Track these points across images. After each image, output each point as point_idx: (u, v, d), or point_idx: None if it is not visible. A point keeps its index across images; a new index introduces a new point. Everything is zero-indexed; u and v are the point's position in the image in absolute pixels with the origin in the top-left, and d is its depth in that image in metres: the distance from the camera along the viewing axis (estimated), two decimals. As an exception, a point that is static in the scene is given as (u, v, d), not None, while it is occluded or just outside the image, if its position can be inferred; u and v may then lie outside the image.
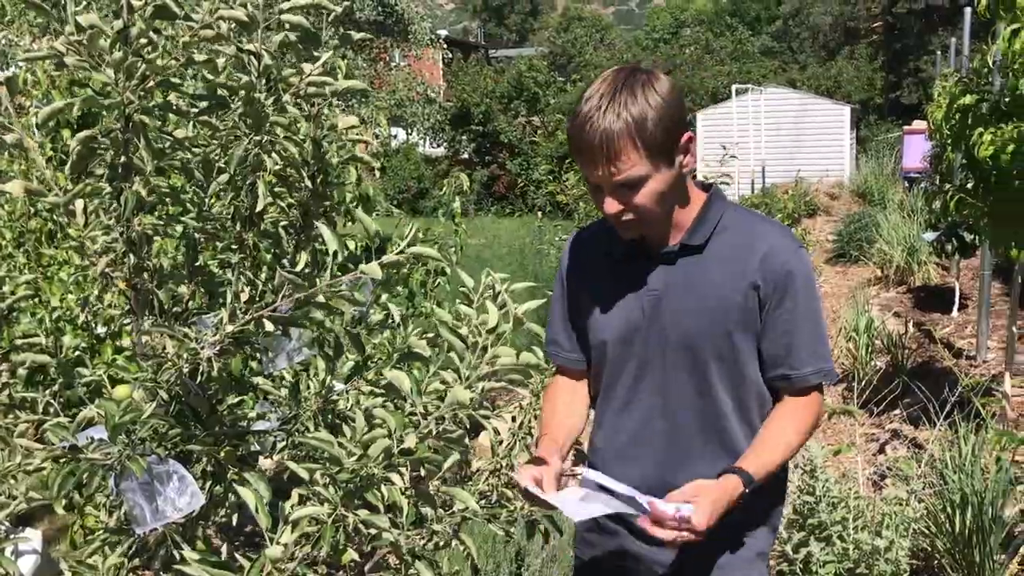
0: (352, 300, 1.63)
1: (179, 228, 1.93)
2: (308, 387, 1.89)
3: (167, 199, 1.72)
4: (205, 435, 1.74)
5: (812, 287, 1.63)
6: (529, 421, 2.09)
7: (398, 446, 1.48)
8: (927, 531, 2.96)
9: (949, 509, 2.80)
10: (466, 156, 20.87)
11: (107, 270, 1.68)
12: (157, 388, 1.69)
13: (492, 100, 20.06)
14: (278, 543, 1.32)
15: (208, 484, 1.78)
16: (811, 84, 22.33)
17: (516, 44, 41.07)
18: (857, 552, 2.80)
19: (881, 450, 4.50)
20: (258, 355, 2.08)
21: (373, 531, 1.49)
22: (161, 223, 1.75)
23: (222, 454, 1.76)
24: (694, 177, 1.73)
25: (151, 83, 1.60)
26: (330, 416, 1.88)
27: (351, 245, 3.60)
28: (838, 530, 2.84)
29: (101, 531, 1.90)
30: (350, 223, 3.65)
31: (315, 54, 1.82)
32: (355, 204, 3.64)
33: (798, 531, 2.87)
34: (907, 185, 14.06)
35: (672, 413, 1.65)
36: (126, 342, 2.73)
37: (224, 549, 1.78)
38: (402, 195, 18.56)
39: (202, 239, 1.92)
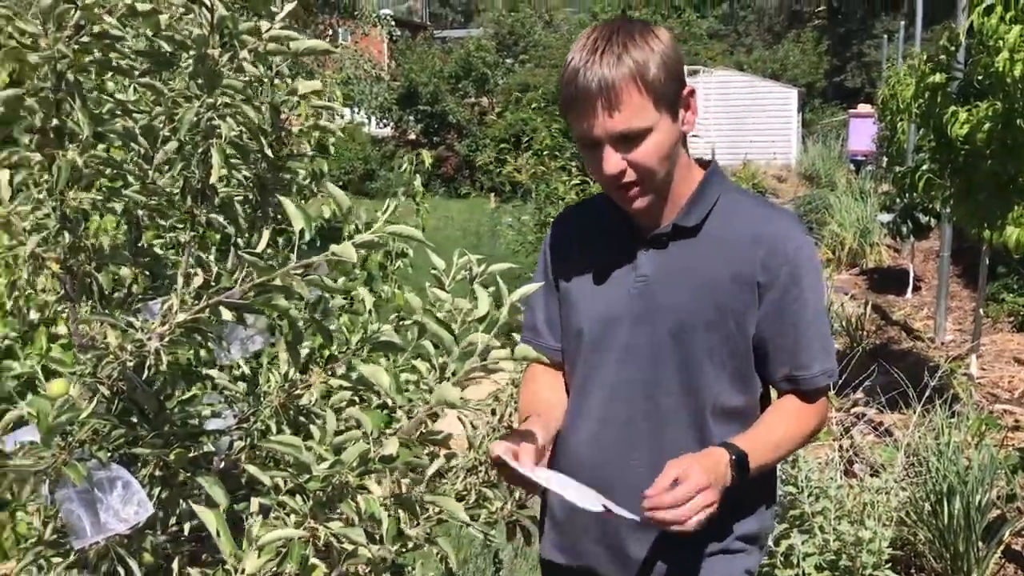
0: (322, 285, 1.45)
1: (120, 204, 1.73)
2: (268, 380, 1.70)
3: (107, 170, 1.52)
4: (152, 436, 1.55)
5: (818, 281, 1.48)
6: (510, 415, 1.94)
7: (376, 450, 1.31)
8: (907, 520, 2.87)
9: (933, 498, 2.71)
10: (413, 137, 20.53)
11: (38, 250, 1.47)
12: (98, 383, 1.49)
13: (440, 80, 19.73)
14: (243, 573, 1.14)
15: (157, 491, 1.59)
16: (758, 67, 22.43)
17: (462, 25, 40.69)
18: (838, 543, 2.70)
19: (846, 433, 4.44)
20: (209, 344, 1.90)
21: (348, 547, 1.32)
22: (100, 197, 1.55)
23: (172, 456, 1.57)
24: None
25: (87, 35, 1.39)
26: (293, 413, 1.70)
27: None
28: (820, 521, 2.75)
29: (33, 542, 1.70)
30: (303, 202, 3.44)
31: (273, 10, 1.63)
32: (309, 181, 3.44)
33: (779, 522, 2.77)
34: (853, 168, 14.19)
35: (658, 413, 1.47)
36: (62, 329, 2.51)
37: (176, 565, 1.60)
38: (348, 176, 18.20)
39: (145, 216, 1.72)
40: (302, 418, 1.68)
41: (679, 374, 1.46)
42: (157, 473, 1.59)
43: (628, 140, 1.37)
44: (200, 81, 1.48)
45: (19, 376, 2.38)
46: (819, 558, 2.71)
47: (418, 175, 3.83)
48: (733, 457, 1.34)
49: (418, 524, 1.66)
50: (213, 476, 1.57)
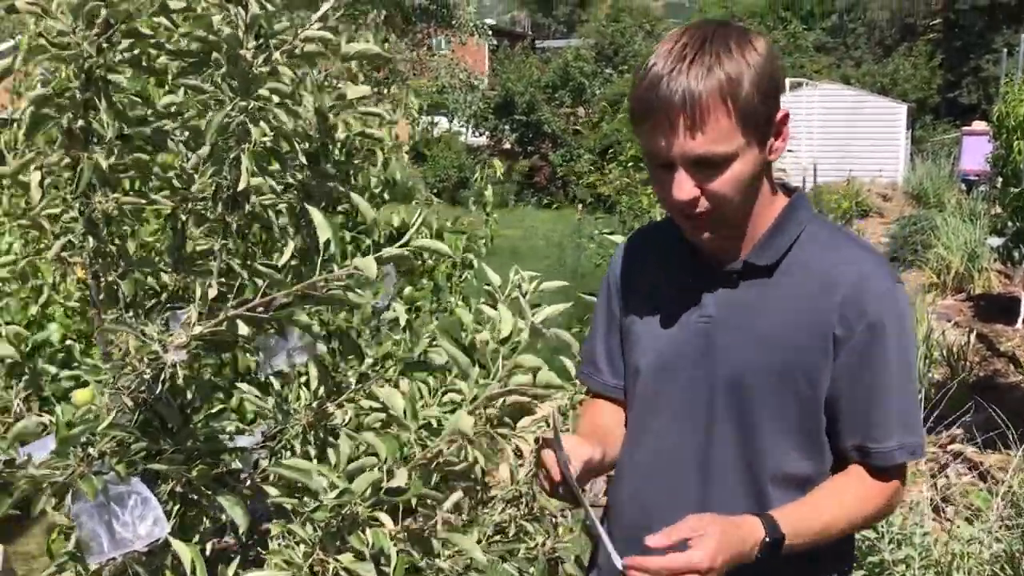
0: (346, 300, 1.37)
1: (157, 208, 1.68)
2: (299, 398, 1.63)
3: (138, 173, 1.47)
4: (174, 450, 1.49)
5: (906, 337, 1.27)
6: (555, 443, 1.82)
7: (389, 479, 1.22)
8: (1002, 575, 2.63)
9: (1032, 554, 2.47)
10: (508, 146, 20.54)
11: (64, 254, 1.43)
12: (121, 394, 1.44)
13: (536, 90, 19.70)
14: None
15: (176, 508, 1.53)
16: (866, 81, 21.70)
17: (564, 35, 40.68)
18: (922, 596, 2.49)
19: (940, 472, 4.16)
20: (249, 355, 1.85)
21: (357, 583, 1.23)
22: (138, 201, 1.50)
23: (194, 473, 1.51)
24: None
25: (117, 34, 1.35)
26: (323, 433, 1.62)
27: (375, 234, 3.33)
28: (901, 570, 2.53)
29: (63, 553, 1.66)
30: (376, 210, 3.40)
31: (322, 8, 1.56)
32: (381, 190, 3.40)
33: (856, 569, 2.56)
34: (964, 188, 13.53)
35: (711, 471, 1.29)
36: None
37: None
38: (442, 184, 18.34)
39: (190, 220, 1.67)
40: (331, 439, 1.60)
41: (736, 432, 1.27)
42: (179, 490, 1.53)
43: (706, 166, 1.18)
44: (234, 83, 1.42)
45: (76, 377, 2.38)
46: (899, 610, 2.50)
47: (502, 184, 3.76)
48: (767, 539, 1.16)
49: (451, 557, 1.56)
50: (236, 496, 1.51)
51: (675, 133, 1.17)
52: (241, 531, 1.49)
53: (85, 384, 2.07)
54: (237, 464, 1.64)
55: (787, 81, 15.78)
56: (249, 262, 1.43)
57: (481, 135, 20.73)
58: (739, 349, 1.27)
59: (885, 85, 21.94)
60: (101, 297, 1.48)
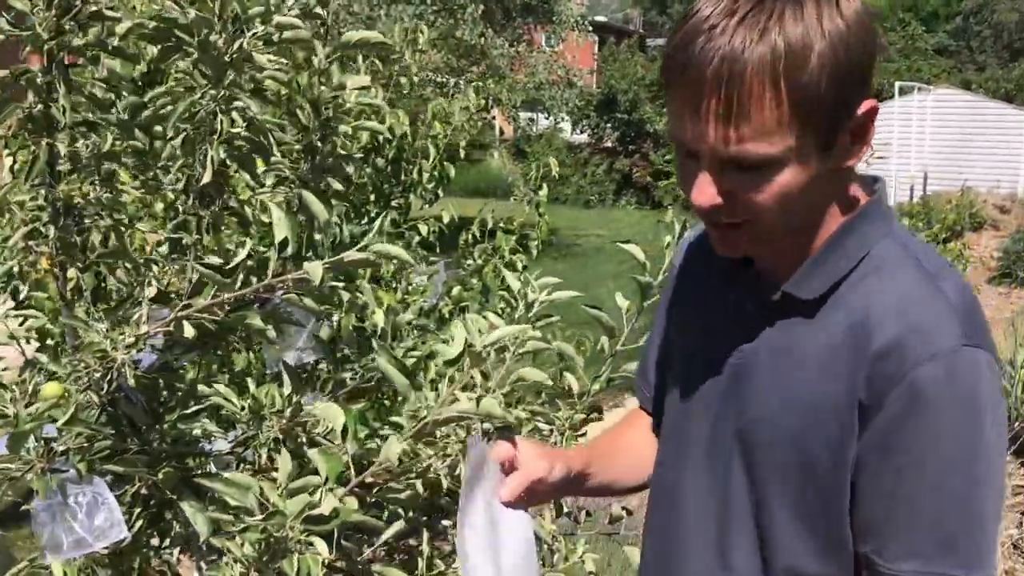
0: (302, 306, 1.28)
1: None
2: (274, 403, 1.55)
3: (110, 160, 1.41)
4: (138, 451, 1.43)
5: (972, 423, 0.89)
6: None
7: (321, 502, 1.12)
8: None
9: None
10: (609, 144, 20.32)
11: (30, 243, 1.39)
12: (79, 390, 1.39)
13: (640, 88, 19.42)
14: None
15: (139, 511, 1.48)
16: (989, 87, 20.60)
17: (677, 33, 40.12)
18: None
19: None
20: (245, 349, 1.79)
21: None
22: (95, 191, 1.44)
23: (160, 475, 1.45)
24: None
25: (84, 14, 1.29)
26: (300, 441, 1.54)
27: (423, 229, 3.28)
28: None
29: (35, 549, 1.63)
30: (426, 205, 3.34)
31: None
32: (434, 185, 3.33)
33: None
34: (1090, 202, 12.71)
35: (729, 556, 1.02)
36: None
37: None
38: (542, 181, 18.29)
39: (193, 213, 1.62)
40: (306, 448, 1.52)
41: (751, 507, 1.01)
42: (143, 492, 1.47)
43: (739, 168, 0.88)
44: (207, 71, 1.35)
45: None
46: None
47: (599, 184, 3.63)
48: None
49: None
50: (201, 502, 1.44)
51: (702, 117, 0.86)
52: (202, 540, 1.42)
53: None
54: (213, 468, 1.58)
55: (898, 85, 14.93)
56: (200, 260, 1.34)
57: (582, 133, 20.56)
58: (757, 402, 0.99)
59: (1010, 91, 20.78)
60: (69, 288, 1.43)
